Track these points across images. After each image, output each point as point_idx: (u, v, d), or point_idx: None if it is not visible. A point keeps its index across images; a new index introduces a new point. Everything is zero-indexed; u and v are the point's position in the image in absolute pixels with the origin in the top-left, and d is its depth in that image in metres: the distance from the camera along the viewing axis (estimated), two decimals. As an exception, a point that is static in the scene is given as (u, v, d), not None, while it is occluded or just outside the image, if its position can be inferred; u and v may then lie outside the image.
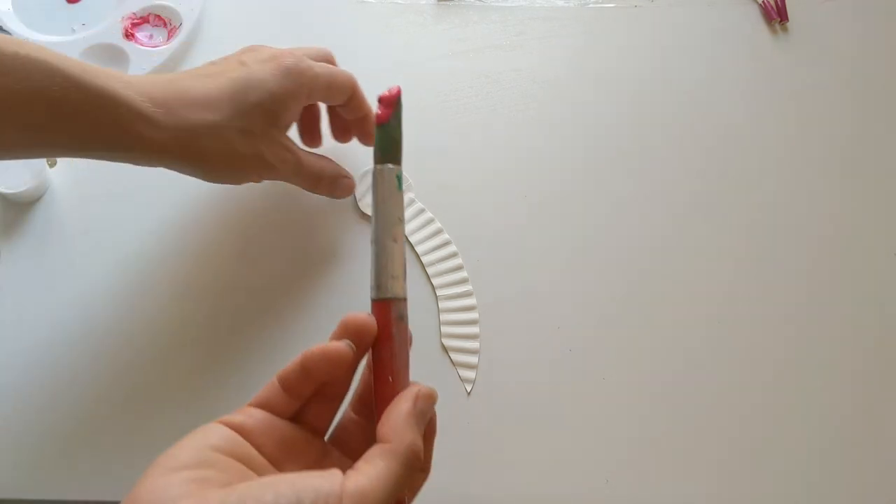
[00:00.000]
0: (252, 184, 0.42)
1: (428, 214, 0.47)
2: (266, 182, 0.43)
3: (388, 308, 0.31)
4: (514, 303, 0.46)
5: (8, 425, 0.42)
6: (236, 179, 0.41)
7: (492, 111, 0.52)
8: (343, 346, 0.30)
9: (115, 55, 0.53)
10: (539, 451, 0.42)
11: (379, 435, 0.28)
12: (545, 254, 0.48)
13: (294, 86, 0.39)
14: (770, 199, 0.50)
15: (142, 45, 0.53)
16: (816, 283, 0.48)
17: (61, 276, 0.46)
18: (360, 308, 0.31)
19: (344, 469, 0.26)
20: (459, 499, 0.41)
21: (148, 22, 0.55)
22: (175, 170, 0.39)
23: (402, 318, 0.32)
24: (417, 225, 0.48)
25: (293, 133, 0.45)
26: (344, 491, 0.25)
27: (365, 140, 0.47)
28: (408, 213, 0.47)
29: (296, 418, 0.31)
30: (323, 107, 0.47)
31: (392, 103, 0.33)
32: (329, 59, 0.44)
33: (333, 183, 0.45)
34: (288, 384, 0.30)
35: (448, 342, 0.44)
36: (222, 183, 0.41)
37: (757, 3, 0.58)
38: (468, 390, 0.43)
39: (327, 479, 0.25)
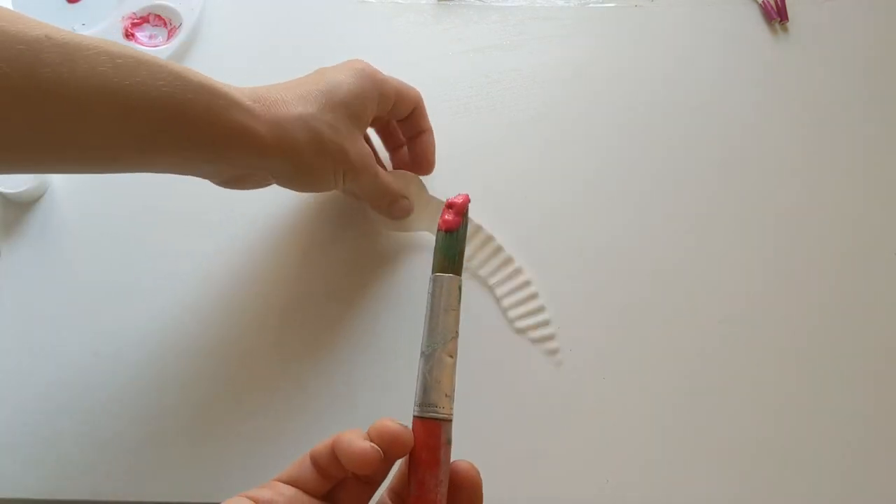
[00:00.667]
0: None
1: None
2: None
3: (439, 430, 0.29)
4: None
5: (5, 426, 0.42)
6: (321, 178, 0.40)
7: (492, 111, 0.52)
8: (371, 451, 0.28)
9: (115, 55, 0.53)
10: (539, 450, 0.42)
11: None
12: (543, 253, 0.47)
13: (370, 84, 0.41)
14: (769, 198, 0.50)
15: (142, 45, 0.53)
16: (825, 281, 0.47)
17: (61, 275, 0.46)
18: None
19: None
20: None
21: (148, 22, 0.55)
22: (269, 171, 0.39)
23: (450, 443, 0.30)
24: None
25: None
26: None
27: (416, 162, 0.47)
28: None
29: (328, 497, 0.30)
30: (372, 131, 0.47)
31: (463, 211, 0.32)
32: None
33: (395, 202, 0.45)
34: (320, 465, 0.29)
35: (519, 324, 0.45)
36: (307, 188, 0.42)
37: (757, 3, 0.58)
38: (559, 359, 0.44)
39: None
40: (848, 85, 0.55)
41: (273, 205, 0.48)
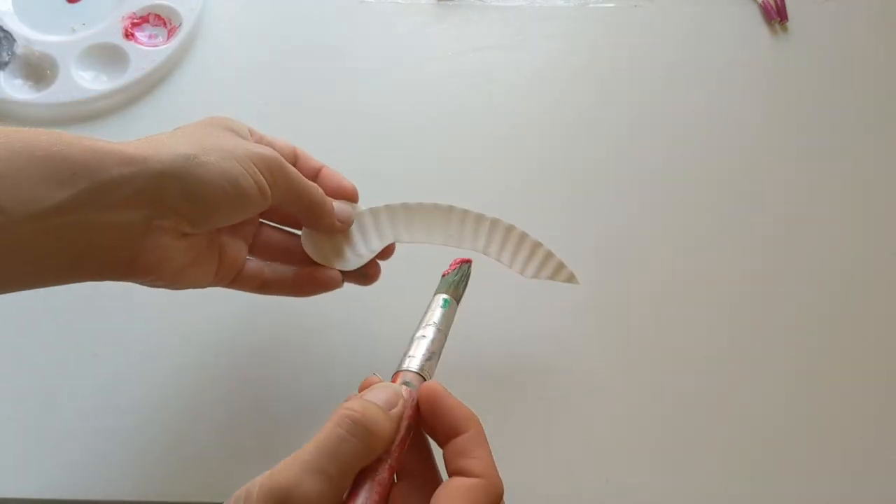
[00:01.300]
0: None
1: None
2: None
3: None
4: (513, 302, 0.46)
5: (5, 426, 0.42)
6: (228, 176, 0.34)
7: (492, 111, 0.52)
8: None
9: (115, 55, 0.53)
10: (539, 450, 0.42)
11: None
12: (545, 254, 0.47)
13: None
14: (769, 198, 0.50)
15: (142, 44, 0.53)
16: (825, 281, 0.47)
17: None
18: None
19: None
20: (459, 499, 0.41)
21: (148, 22, 0.55)
22: (167, 197, 0.32)
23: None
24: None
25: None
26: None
27: (333, 194, 0.40)
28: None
29: None
30: None
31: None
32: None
33: (324, 202, 0.39)
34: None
35: (527, 272, 0.40)
36: (224, 203, 0.34)
37: (757, 3, 0.58)
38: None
39: None
40: (847, 85, 0.55)
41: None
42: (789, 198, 0.50)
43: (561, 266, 0.41)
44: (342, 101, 0.53)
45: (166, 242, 0.31)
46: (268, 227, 0.40)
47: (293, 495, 0.23)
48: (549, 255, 0.41)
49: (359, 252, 0.39)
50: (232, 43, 0.55)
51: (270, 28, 0.56)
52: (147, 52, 0.53)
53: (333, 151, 0.48)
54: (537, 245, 0.41)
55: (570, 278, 0.41)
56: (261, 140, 0.37)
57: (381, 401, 0.28)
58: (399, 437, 0.28)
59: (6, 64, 0.52)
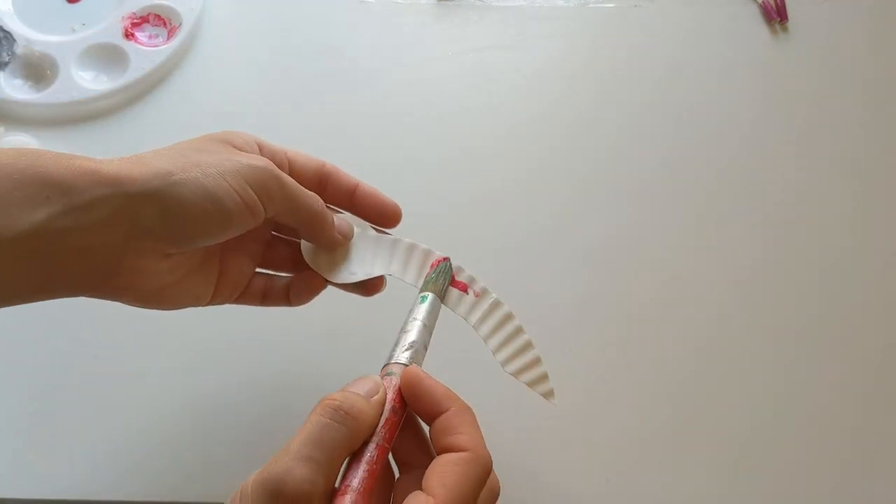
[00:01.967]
0: None
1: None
2: None
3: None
4: (514, 302, 0.46)
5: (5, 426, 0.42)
6: (212, 191, 0.32)
7: (492, 111, 0.52)
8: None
9: (115, 55, 0.53)
10: (539, 450, 0.42)
11: None
12: (542, 252, 0.47)
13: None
14: (768, 197, 0.50)
15: (142, 44, 0.53)
16: (824, 281, 0.47)
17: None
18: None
19: None
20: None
21: (148, 22, 0.55)
22: (143, 214, 0.31)
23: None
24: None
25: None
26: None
27: (372, 217, 0.39)
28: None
29: None
30: None
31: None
32: None
33: (325, 212, 0.36)
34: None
35: (509, 367, 0.37)
36: (210, 218, 0.32)
37: (757, 3, 0.58)
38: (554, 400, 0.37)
39: None
40: (847, 84, 0.55)
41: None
42: (789, 198, 0.50)
43: (544, 377, 0.38)
44: (342, 100, 0.53)
45: (144, 264, 0.30)
46: (281, 241, 0.39)
47: (285, 483, 0.24)
48: (536, 361, 0.38)
49: (353, 270, 0.38)
50: (232, 43, 0.55)
51: (270, 28, 0.56)
52: (147, 52, 0.53)
53: (333, 151, 0.47)
54: (528, 345, 0.38)
55: (548, 394, 0.38)
56: (273, 154, 0.35)
57: (362, 390, 0.28)
58: (384, 419, 0.28)
59: (6, 64, 0.52)
